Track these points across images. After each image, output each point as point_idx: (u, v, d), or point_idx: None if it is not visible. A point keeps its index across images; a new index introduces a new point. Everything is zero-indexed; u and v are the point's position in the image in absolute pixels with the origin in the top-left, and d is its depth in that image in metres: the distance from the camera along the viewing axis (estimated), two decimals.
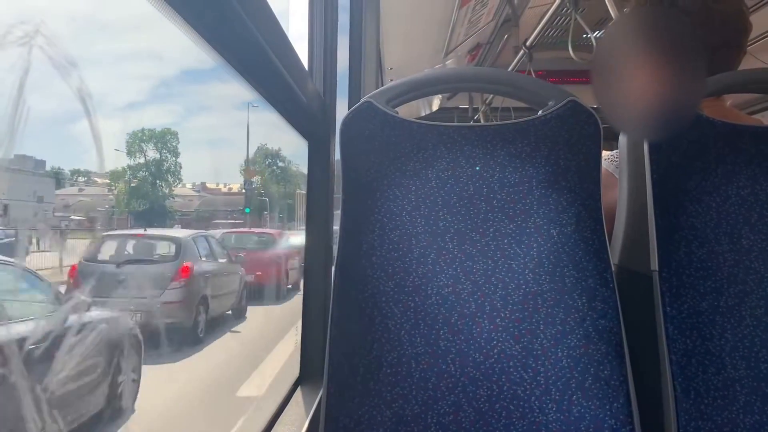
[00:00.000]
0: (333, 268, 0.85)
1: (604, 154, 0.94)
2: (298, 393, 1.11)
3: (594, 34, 2.14)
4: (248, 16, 0.61)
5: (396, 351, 0.81)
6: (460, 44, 3.01)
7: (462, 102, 4.15)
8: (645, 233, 0.89)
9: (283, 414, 1.01)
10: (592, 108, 0.87)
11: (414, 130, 0.87)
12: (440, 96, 3.80)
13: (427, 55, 3.10)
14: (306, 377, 1.16)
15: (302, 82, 0.93)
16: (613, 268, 0.84)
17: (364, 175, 0.86)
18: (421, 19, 2.69)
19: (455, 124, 0.89)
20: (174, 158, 2.16)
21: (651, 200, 0.88)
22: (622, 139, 1.01)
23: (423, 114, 4.09)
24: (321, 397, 0.82)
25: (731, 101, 1.13)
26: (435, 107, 4.10)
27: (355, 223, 0.85)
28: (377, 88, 0.89)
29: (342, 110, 1.33)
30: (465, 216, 0.85)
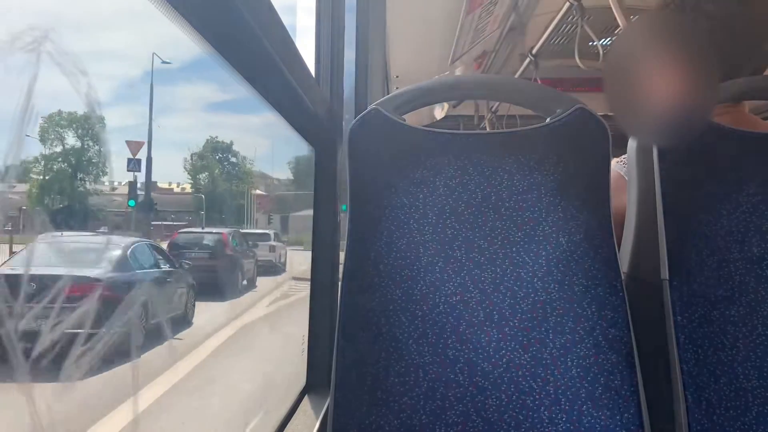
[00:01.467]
0: (340, 276, 0.85)
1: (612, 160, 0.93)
2: (305, 402, 1.10)
3: (601, 42, 2.13)
4: (255, 23, 0.61)
5: (404, 360, 0.80)
6: (466, 52, 3.01)
7: (467, 110, 4.15)
8: (655, 241, 0.88)
9: (290, 423, 1.01)
10: (601, 115, 0.86)
11: (422, 137, 0.87)
12: (446, 104, 3.80)
13: (433, 62, 3.10)
14: (313, 386, 1.15)
15: (309, 89, 0.93)
16: (622, 277, 0.83)
17: (372, 182, 0.86)
18: (427, 27, 2.70)
19: (463, 131, 0.89)
20: (99, 148, 1.80)
21: (661, 208, 0.87)
22: (631, 146, 1.00)
23: (428, 122, 4.09)
24: (328, 406, 0.81)
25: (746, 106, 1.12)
26: (441, 115, 4.10)
27: (362, 230, 0.84)
28: (384, 95, 0.89)
29: (348, 118, 1.33)
30: (473, 224, 0.84)
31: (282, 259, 4.63)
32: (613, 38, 2.78)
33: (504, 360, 0.79)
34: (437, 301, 0.82)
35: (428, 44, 2.90)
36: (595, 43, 2.30)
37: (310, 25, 1.24)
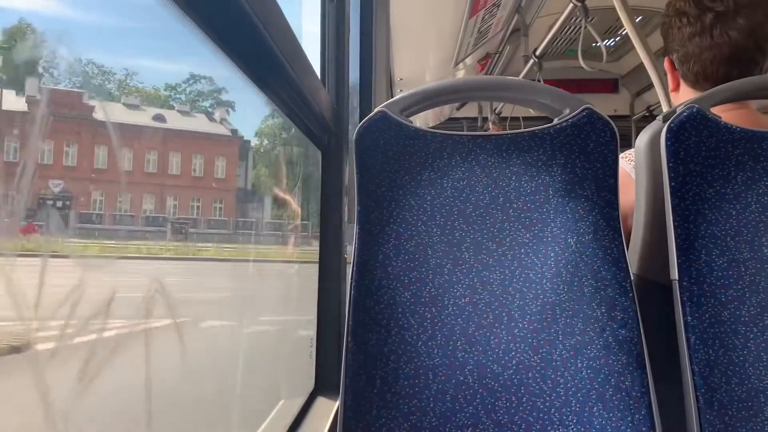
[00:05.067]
0: (348, 278, 0.85)
1: None
2: (315, 404, 1.10)
3: (604, 43, 2.13)
4: (264, 27, 0.61)
5: (413, 362, 0.80)
6: (470, 54, 3.02)
7: (471, 112, 4.15)
8: (664, 242, 0.88)
9: (301, 425, 1.01)
10: (608, 116, 0.86)
11: (429, 139, 0.87)
12: (449, 106, 3.80)
13: (437, 65, 3.11)
14: (322, 388, 1.15)
15: (316, 92, 0.93)
16: (632, 278, 0.83)
17: (379, 184, 0.86)
18: (430, 29, 2.70)
19: (470, 133, 0.89)
20: None
21: (670, 208, 0.87)
22: (639, 145, 1.00)
23: (432, 125, 4.09)
24: (338, 408, 0.81)
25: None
26: (444, 118, 4.11)
27: (370, 232, 0.84)
28: (388, 98, 0.89)
29: (353, 121, 1.33)
30: (481, 226, 0.84)
31: None
32: (617, 39, 2.79)
33: (514, 362, 0.79)
34: (446, 303, 0.82)
35: (431, 47, 2.91)
36: (598, 44, 2.30)
37: (315, 28, 1.24)
